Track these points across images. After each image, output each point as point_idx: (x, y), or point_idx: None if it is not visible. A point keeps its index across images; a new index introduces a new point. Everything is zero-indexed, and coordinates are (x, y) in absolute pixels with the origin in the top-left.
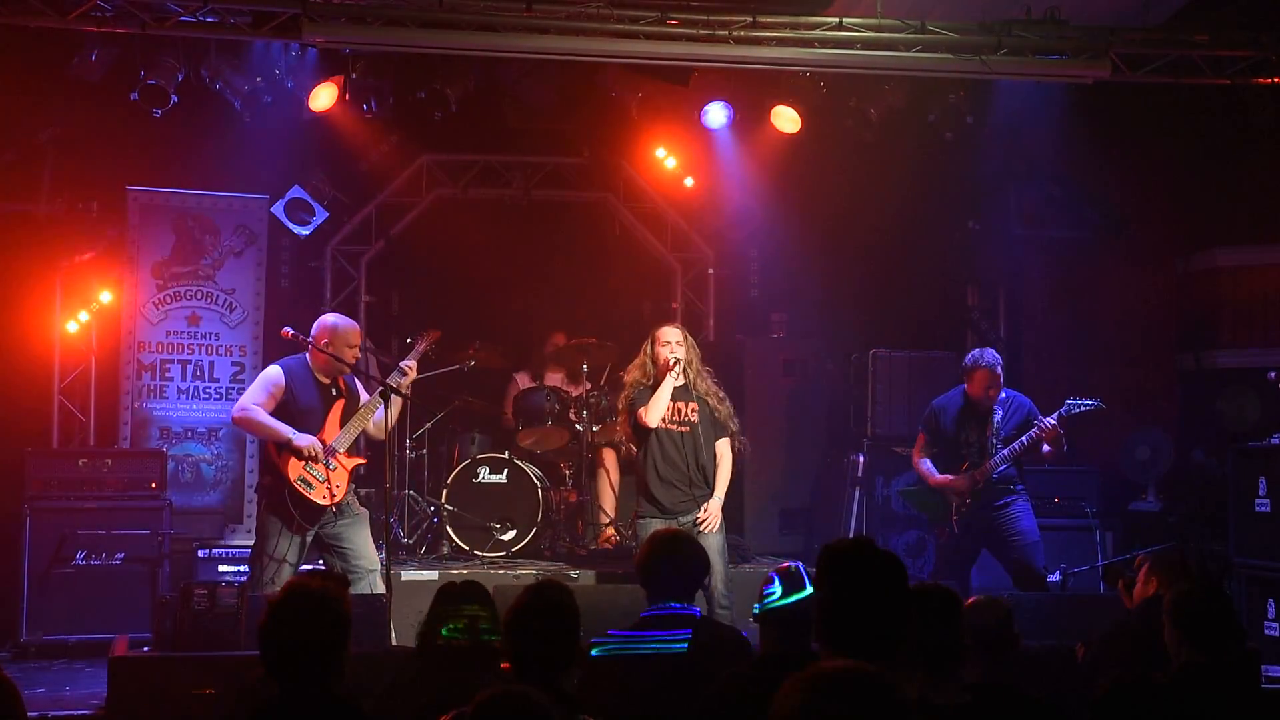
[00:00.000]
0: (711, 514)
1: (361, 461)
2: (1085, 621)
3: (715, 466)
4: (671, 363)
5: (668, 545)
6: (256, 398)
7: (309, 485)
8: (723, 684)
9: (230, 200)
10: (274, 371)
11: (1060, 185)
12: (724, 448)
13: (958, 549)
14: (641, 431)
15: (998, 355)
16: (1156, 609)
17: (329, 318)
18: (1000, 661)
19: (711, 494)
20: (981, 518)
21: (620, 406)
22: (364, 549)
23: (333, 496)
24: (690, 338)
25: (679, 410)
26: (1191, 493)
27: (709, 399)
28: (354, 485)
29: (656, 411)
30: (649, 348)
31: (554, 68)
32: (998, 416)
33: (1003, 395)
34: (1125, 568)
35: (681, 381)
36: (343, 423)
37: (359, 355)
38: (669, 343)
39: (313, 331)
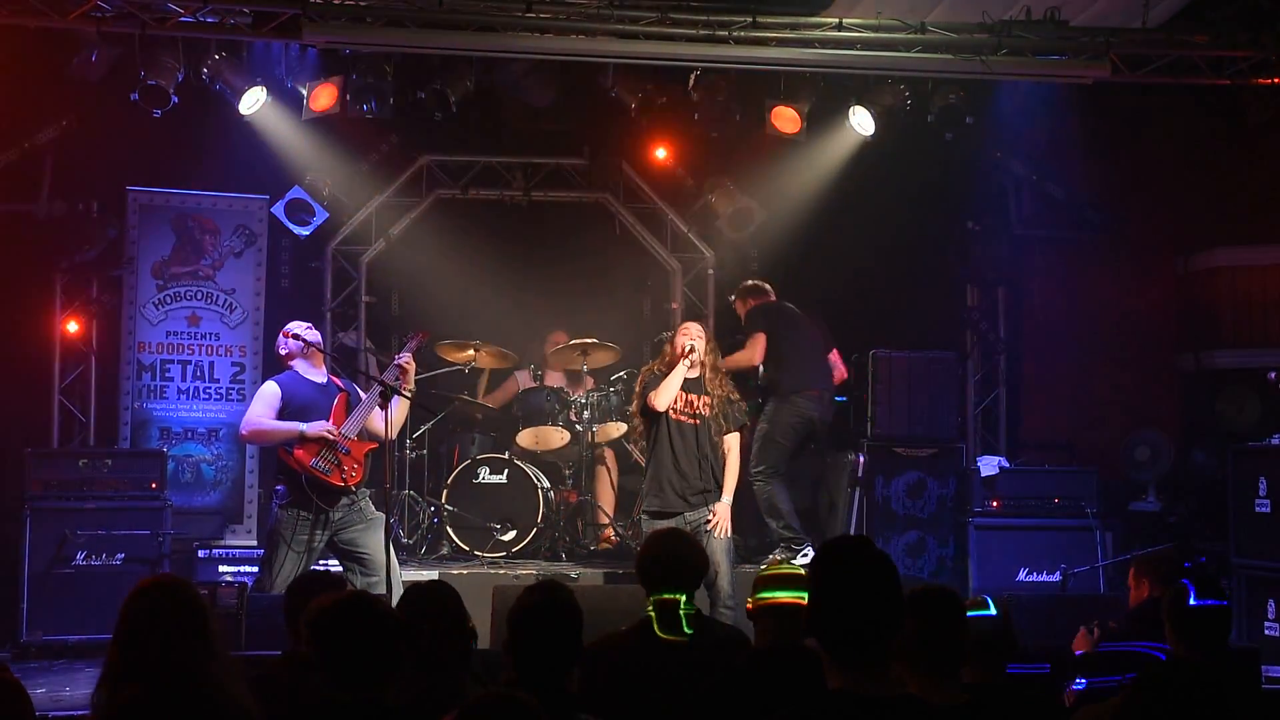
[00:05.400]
0: (721, 518)
1: (373, 446)
2: (1084, 622)
3: (723, 464)
4: (685, 348)
5: (667, 543)
6: (258, 410)
7: (326, 470)
8: (718, 678)
9: (230, 200)
10: (268, 385)
11: (1060, 185)
12: (733, 442)
13: None
14: (651, 418)
15: None
16: (1154, 611)
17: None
18: (999, 662)
19: (719, 494)
20: None
21: (636, 391)
22: (380, 555)
23: (351, 478)
24: (714, 339)
25: (690, 402)
26: (1191, 493)
27: (719, 393)
28: (368, 491)
29: (666, 396)
30: (671, 337)
31: (554, 68)
32: None
33: None
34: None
35: (695, 373)
36: (348, 413)
37: (310, 335)
38: (688, 331)
39: (284, 351)
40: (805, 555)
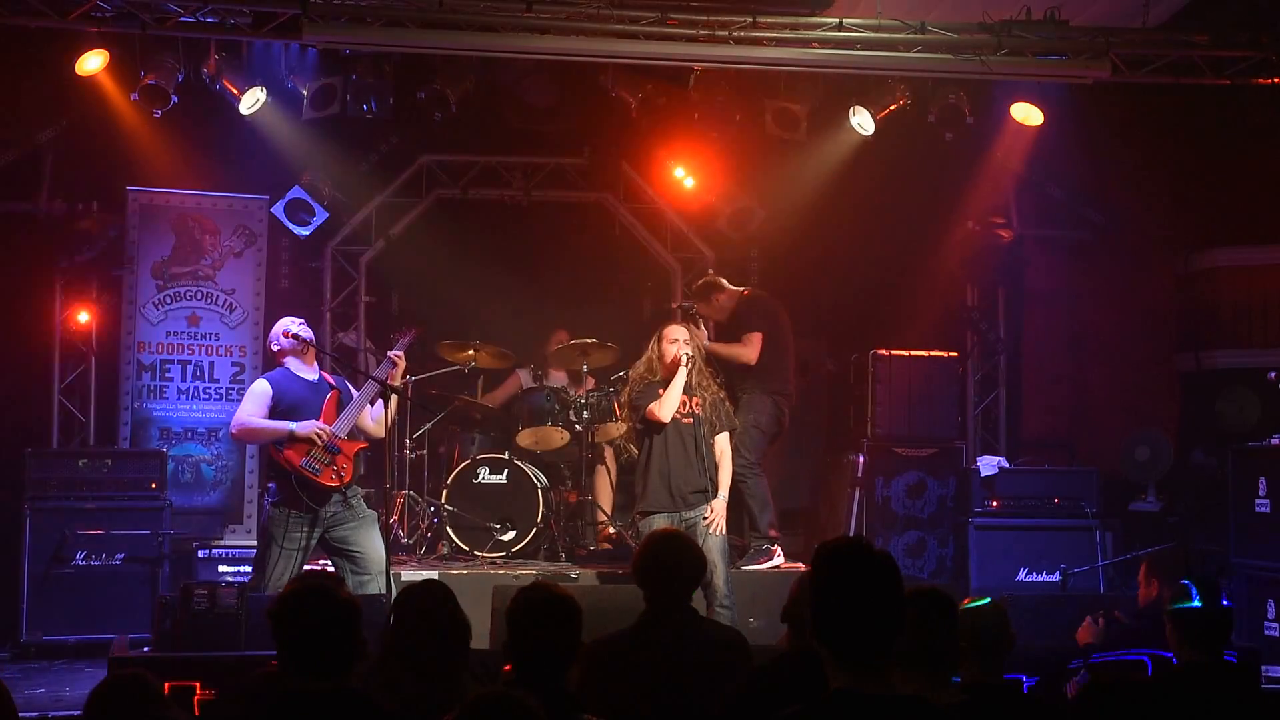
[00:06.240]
0: (716, 513)
1: (364, 445)
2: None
3: (716, 463)
4: (684, 359)
5: (665, 545)
6: (248, 409)
7: (316, 470)
8: (748, 680)
9: (230, 200)
10: (259, 383)
11: (1060, 185)
12: (724, 443)
13: None
14: (651, 428)
15: None
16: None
17: (276, 326)
18: (997, 661)
19: (715, 491)
20: None
21: (623, 402)
22: (373, 552)
23: (341, 478)
24: (694, 336)
25: (684, 402)
26: (1191, 493)
27: (709, 394)
28: (360, 490)
29: (669, 407)
30: (655, 346)
31: (554, 68)
32: None
33: None
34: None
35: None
36: (339, 411)
37: (305, 332)
38: (676, 340)
39: (276, 347)
40: (780, 555)
